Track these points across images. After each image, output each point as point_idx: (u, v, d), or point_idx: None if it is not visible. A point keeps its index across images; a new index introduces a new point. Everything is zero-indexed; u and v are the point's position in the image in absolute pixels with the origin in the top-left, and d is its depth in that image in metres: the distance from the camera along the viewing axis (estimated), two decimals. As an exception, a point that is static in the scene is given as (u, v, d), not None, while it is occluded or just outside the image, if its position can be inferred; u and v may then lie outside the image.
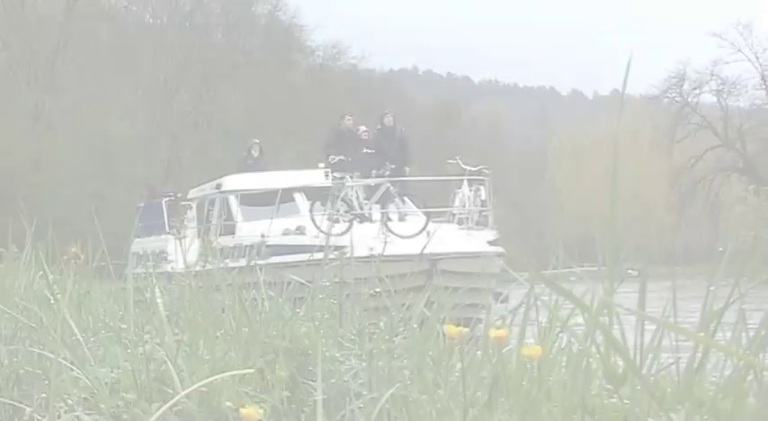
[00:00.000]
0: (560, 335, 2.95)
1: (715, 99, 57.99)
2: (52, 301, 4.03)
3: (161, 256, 24.40)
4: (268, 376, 3.03)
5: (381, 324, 3.25)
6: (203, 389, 2.84)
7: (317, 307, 3.98)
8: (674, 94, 58.28)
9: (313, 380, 2.94)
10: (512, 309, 3.28)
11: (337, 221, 18.78)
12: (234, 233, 21.48)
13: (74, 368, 3.08)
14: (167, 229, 25.80)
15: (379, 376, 2.90)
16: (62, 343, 3.15)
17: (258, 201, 21.45)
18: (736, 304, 2.30)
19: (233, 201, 22.85)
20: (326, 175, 21.04)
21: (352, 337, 3.19)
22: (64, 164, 47.93)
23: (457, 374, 2.60)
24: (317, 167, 22.72)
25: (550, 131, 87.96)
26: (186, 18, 57.84)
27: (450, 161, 21.00)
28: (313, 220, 19.12)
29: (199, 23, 57.88)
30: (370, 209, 19.98)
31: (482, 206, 19.83)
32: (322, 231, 17.97)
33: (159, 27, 58.25)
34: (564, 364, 2.76)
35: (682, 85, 57.53)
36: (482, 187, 19.76)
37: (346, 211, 19.20)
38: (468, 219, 19.38)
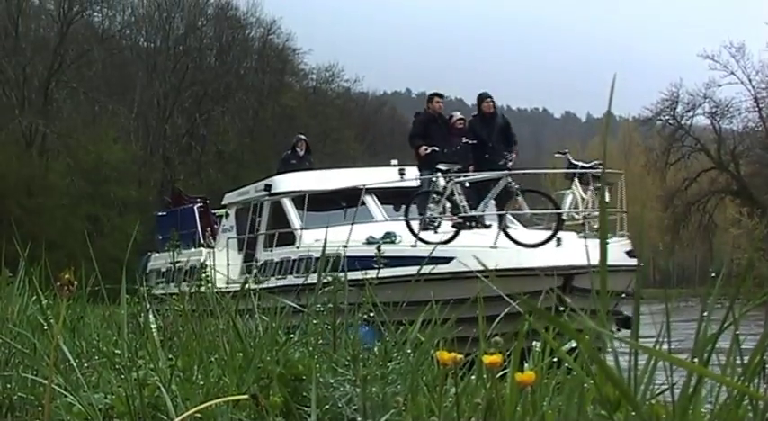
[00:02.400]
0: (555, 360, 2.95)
1: (708, 121, 58.12)
2: (45, 327, 4.02)
3: (192, 273, 21.91)
4: (262, 402, 3.02)
5: (375, 349, 3.25)
6: (197, 415, 2.84)
7: (310, 331, 3.98)
8: (667, 117, 58.38)
9: (307, 406, 2.93)
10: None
11: (437, 226, 15.92)
12: (292, 243, 18.33)
13: (67, 394, 3.08)
14: (202, 241, 23.26)
15: (374, 402, 2.89)
16: (55, 368, 3.15)
17: (317, 204, 18.21)
18: (732, 326, 2.30)
19: (288, 205, 19.30)
20: (401, 174, 18.50)
21: (347, 362, 3.18)
22: (57, 187, 47.97)
23: (451, 400, 2.59)
24: (389, 164, 20.03)
25: (542, 153, 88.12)
26: (180, 41, 57.92)
27: (558, 154, 17.29)
28: (409, 226, 15.84)
29: (192, 47, 57.97)
30: (483, 210, 16.14)
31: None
32: (421, 240, 15.13)
33: (153, 50, 58.32)
34: (558, 390, 2.76)
35: (675, 108, 57.64)
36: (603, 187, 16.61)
37: (453, 214, 15.73)
38: (586, 224, 15.75)
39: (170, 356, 3.56)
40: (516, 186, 15.15)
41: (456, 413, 2.48)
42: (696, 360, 2.12)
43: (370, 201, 18.16)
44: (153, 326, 3.98)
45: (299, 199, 18.65)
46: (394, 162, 19.83)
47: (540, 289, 10.37)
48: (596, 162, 16.80)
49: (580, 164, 16.50)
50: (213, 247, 21.40)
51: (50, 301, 4.58)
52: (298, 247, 17.36)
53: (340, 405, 2.94)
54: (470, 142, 16.92)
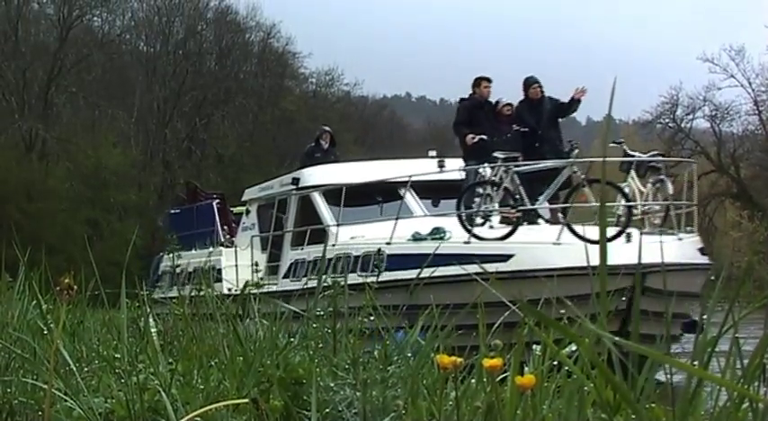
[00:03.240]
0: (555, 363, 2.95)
1: (708, 124, 58.06)
2: (45, 331, 4.02)
3: (210, 274, 19.92)
4: (262, 406, 3.02)
5: (375, 352, 3.25)
6: (198, 418, 2.84)
7: (310, 335, 3.98)
8: (667, 120, 58.32)
9: (307, 410, 2.93)
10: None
11: (487, 221, 14.45)
12: (324, 241, 16.37)
13: (67, 398, 3.08)
14: (222, 239, 21.90)
15: (374, 405, 2.89)
16: (55, 373, 3.15)
17: (349, 199, 16.69)
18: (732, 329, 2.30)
19: (319, 199, 17.84)
20: (440, 166, 16.94)
21: (347, 366, 3.18)
22: (57, 192, 47.94)
23: (451, 403, 2.59)
24: (427, 156, 18.68)
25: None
26: (179, 46, 57.89)
27: (614, 143, 15.41)
28: (462, 221, 14.33)
29: (192, 51, 57.93)
30: (543, 203, 14.74)
31: (668, 202, 14.71)
32: (476, 236, 13.74)
33: (152, 55, 58.28)
34: (558, 393, 2.76)
35: (675, 111, 57.58)
36: (665, 179, 14.78)
37: (513, 207, 14.22)
38: (648, 219, 14.41)
39: (170, 360, 3.56)
40: (582, 176, 14.03)
41: (456, 416, 2.48)
42: (696, 363, 2.12)
43: (409, 196, 16.72)
44: (153, 330, 3.97)
45: (330, 193, 17.45)
46: (432, 153, 18.67)
47: (610, 289, 9.30)
48: (655, 152, 15.94)
49: (637, 154, 15.17)
50: (232, 246, 20.47)
51: (50, 306, 4.58)
52: (334, 245, 15.77)
53: (340, 409, 2.94)
54: (522, 129, 15.80)
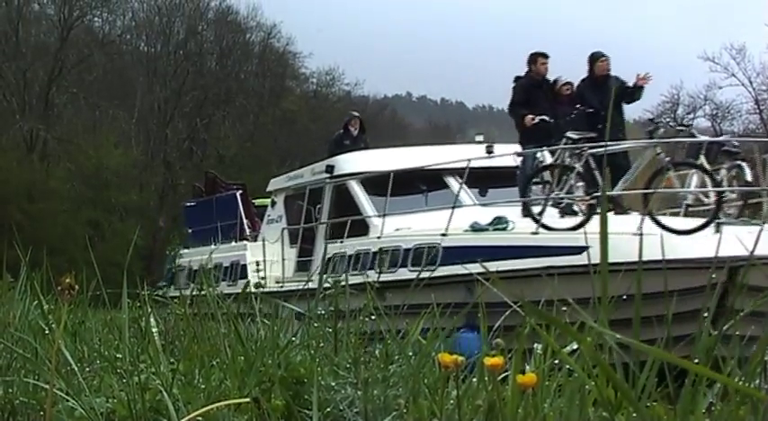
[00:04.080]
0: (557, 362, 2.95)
1: (709, 123, 58.01)
2: (47, 331, 4.02)
3: (234, 270, 19.10)
4: (264, 405, 3.02)
5: (377, 351, 3.25)
6: (199, 418, 2.84)
7: (312, 334, 3.98)
8: (668, 119, 58.29)
9: (309, 409, 2.93)
10: None
11: (560, 210, 13.27)
12: (364, 233, 15.72)
13: (69, 398, 3.08)
14: (247, 233, 20.52)
15: (375, 405, 2.89)
16: (57, 373, 3.15)
17: (384, 189, 15.26)
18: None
19: (357, 188, 16.46)
20: (489, 151, 15.69)
21: (348, 365, 3.18)
22: (58, 192, 47.93)
23: (452, 402, 2.59)
24: (474, 140, 17.51)
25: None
26: (180, 46, 57.86)
27: (681, 127, 14.27)
28: (529, 209, 13.20)
29: (193, 51, 57.91)
30: (621, 188, 13.20)
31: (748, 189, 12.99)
32: (545, 226, 12.47)
33: (153, 55, 58.26)
34: (560, 392, 2.76)
35: (676, 110, 57.52)
36: (743, 164, 13.04)
37: (588, 194, 12.69)
38: (718, 209, 12.38)
39: (172, 360, 3.56)
40: (667, 159, 12.62)
41: (458, 415, 2.48)
42: (697, 360, 2.12)
43: (455, 184, 15.48)
44: (154, 330, 3.98)
45: (368, 182, 16.26)
46: (479, 138, 17.49)
47: (700, 285, 8.41)
48: (727, 137, 14.54)
49: (705, 139, 13.74)
50: (256, 241, 19.28)
51: (52, 306, 4.59)
52: (379, 237, 14.72)
53: (341, 408, 2.94)
54: (587, 110, 14.19)
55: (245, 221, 20.93)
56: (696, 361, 2.12)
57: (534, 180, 13.67)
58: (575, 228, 12.02)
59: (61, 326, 3.32)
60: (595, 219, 11.71)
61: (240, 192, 21.88)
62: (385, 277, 12.97)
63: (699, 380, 2.09)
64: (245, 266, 18.38)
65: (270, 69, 60.38)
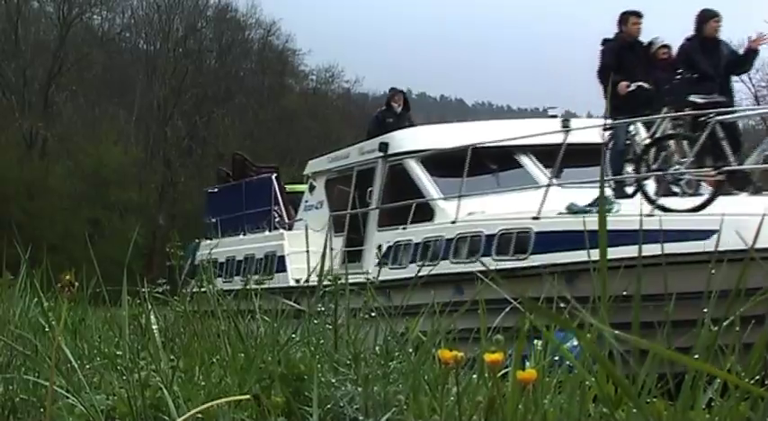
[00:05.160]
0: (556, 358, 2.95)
1: (709, 120, 57.92)
2: (47, 329, 4.02)
3: (269, 263, 17.30)
4: (264, 402, 3.02)
5: (377, 348, 3.25)
6: (199, 415, 2.84)
7: (312, 331, 3.98)
8: (668, 116, 58.22)
9: (309, 406, 2.93)
10: None
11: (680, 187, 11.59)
12: (428, 219, 13.99)
13: (69, 395, 3.08)
14: (285, 221, 18.53)
15: (375, 401, 2.89)
16: (57, 370, 3.15)
17: (452, 168, 13.79)
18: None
19: (417, 168, 14.64)
20: (565, 126, 13.50)
21: (348, 362, 3.18)
22: (58, 190, 47.96)
23: (452, 399, 2.60)
24: (548, 114, 15.75)
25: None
26: (179, 44, 57.88)
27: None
28: (642, 189, 11.50)
29: (192, 49, 57.93)
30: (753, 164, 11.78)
31: None
32: (662, 207, 10.89)
33: (152, 53, 58.29)
34: (560, 388, 2.76)
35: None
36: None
37: (716, 168, 11.16)
38: None
39: (172, 357, 3.56)
40: None
41: (458, 412, 2.48)
42: (698, 356, 2.13)
43: (528, 162, 14.17)
44: (154, 327, 3.98)
45: (429, 160, 14.60)
46: (553, 112, 15.90)
47: None
48: None
49: None
50: (292, 230, 17.66)
51: (52, 304, 4.59)
52: (454, 222, 13.03)
53: (342, 404, 2.95)
54: (693, 75, 12.48)
55: (283, 208, 18.94)
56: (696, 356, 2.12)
57: (642, 154, 12.01)
58: (698, 210, 10.61)
59: (61, 323, 3.32)
60: (723, 199, 10.72)
61: (275, 175, 19.82)
62: (464, 267, 11.94)
63: (699, 375, 2.09)
64: (282, 258, 16.82)
65: (269, 67, 60.40)
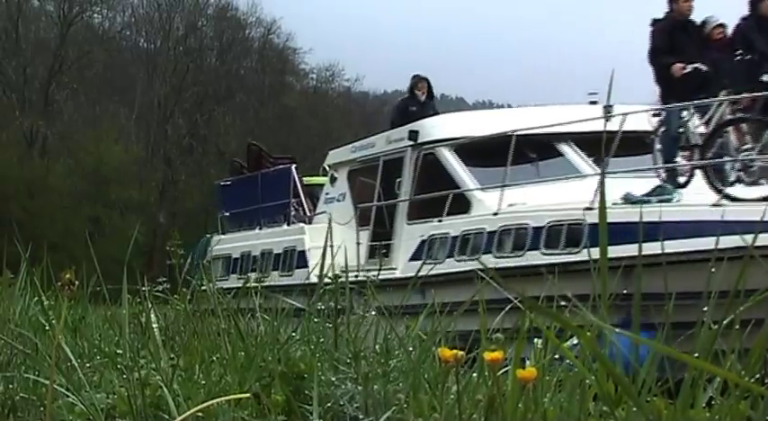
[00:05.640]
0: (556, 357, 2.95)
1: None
2: (47, 327, 4.02)
3: (289, 258, 16.45)
4: (264, 400, 3.03)
5: (377, 346, 3.25)
6: (199, 414, 2.84)
7: (312, 330, 3.97)
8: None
9: (309, 404, 2.93)
10: None
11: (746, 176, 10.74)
12: (466, 210, 13.09)
13: (69, 394, 3.08)
14: (303, 214, 17.58)
15: (375, 399, 2.89)
16: (57, 369, 3.15)
17: (483, 157, 13.23)
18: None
19: (450, 157, 13.76)
20: (608, 113, 12.34)
21: (348, 360, 3.18)
22: (58, 189, 47.97)
23: (452, 397, 2.59)
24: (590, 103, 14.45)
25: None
26: (180, 42, 57.86)
27: None
28: (708, 177, 10.77)
29: (192, 47, 57.91)
30: None
31: None
32: (729, 196, 10.24)
33: (153, 51, 58.28)
34: (560, 386, 2.76)
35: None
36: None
37: None
38: None
39: (172, 356, 3.56)
40: None
41: (458, 410, 2.48)
42: (698, 354, 2.12)
43: (569, 151, 13.35)
44: (155, 325, 3.97)
45: (462, 150, 13.69)
46: (593, 98, 14.57)
47: None
48: None
49: None
50: (312, 223, 16.84)
51: (52, 302, 4.59)
52: (495, 213, 12.14)
53: (342, 403, 2.95)
54: (752, 56, 11.66)
55: (303, 201, 17.96)
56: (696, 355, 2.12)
57: (709, 139, 11.21)
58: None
59: (61, 321, 3.32)
60: None
61: (294, 166, 18.74)
62: (510, 262, 11.35)
63: (699, 374, 2.09)
64: (302, 253, 15.90)
65: (270, 65, 60.37)
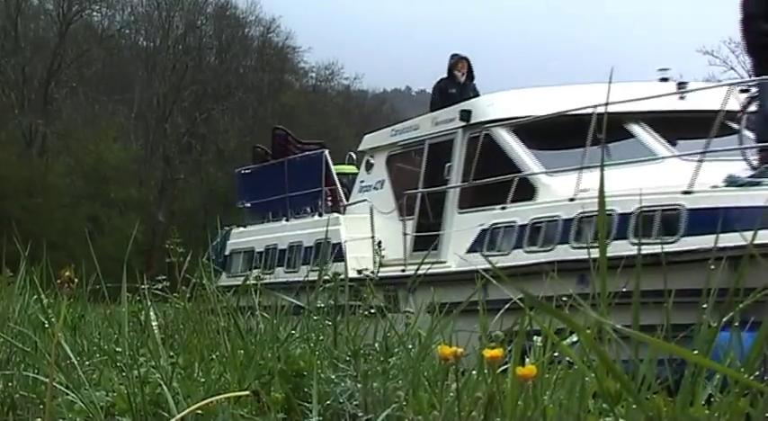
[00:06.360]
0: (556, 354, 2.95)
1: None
2: (46, 325, 4.02)
3: (322, 252, 14.40)
4: (263, 398, 3.02)
5: (376, 344, 3.24)
6: (199, 411, 2.84)
7: (311, 327, 3.97)
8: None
9: (308, 402, 2.93)
10: None
11: None
12: (531, 197, 11.80)
13: (69, 392, 3.08)
14: (336, 204, 16.27)
15: (375, 397, 2.89)
16: (57, 367, 3.15)
17: (543, 138, 12.15)
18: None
19: (509, 139, 12.45)
20: (681, 89, 11.94)
21: (348, 358, 3.18)
22: (58, 187, 47.98)
23: (452, 394, 2.59)
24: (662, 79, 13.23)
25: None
26: (179, 40, 57.89)
27: None
28: None
29: (192, 46, 57.93)
30: None
31: None
32: None
33: (152, 50, 58.30)
34: (559, 383, 2.76)
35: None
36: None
37: None
38: None
39: (171, 354, 3.56)
40: None
41: (457, 408, 2.48)
42: (697, 351, 2.12)
43: (642, 132, 12.16)
44: (154, 323, 3.97)
45: (520, 130, 12.44)
46: (664, 75, 13.41)
47: None
48: None
49: None
50: (347, 213, 15.61)
51: (51, 300, 4.59)
52: (572, 199, 10.92)
53: (341, 400, 2.95)
54: None
55: (339, 190, 16.60)
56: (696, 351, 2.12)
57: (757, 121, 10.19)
58: None
59: (61, 320, 3.32)
60: None
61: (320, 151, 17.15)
62: (585, 254, 10.15)
63: (698, 371, 2.09)
64: (338, 246, 14.58)
65: (269, 64, 60.40)
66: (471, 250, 12.19)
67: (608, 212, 9.91)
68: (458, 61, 15.36)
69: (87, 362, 3.65)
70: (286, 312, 4.30)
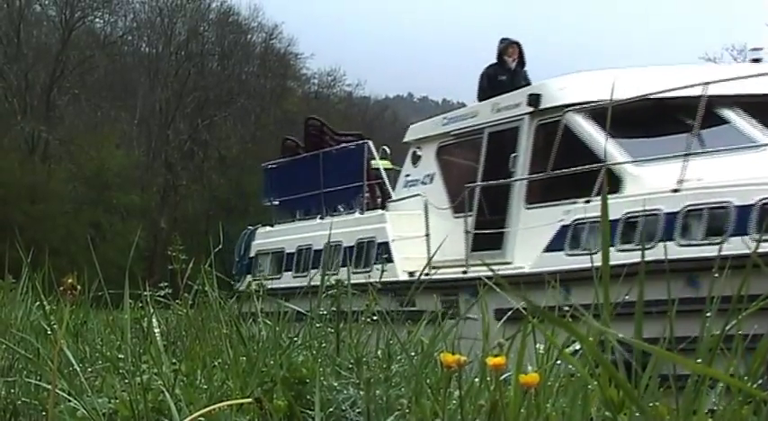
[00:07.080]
0: (558, 362, 2.95)
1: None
2: (49, 332, 4.02)
3: (365, 252, 13.79)
4: (266, 405, 3.02)
5: (379, 352, 3.24)
6: (201, 418, 2.84)
7: (314, 335, 3.97)
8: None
9: (311, 409, 2.93)
10: None
11: None
12: (616, 190, 10.37)
13: (71, 398, 3.08)
14: (383, 200, 14.98)
15: (377, 405, 2.89)
16: (59, 373, 3.15)
17: (624, 126, 10.57)
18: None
19: (586, 126, 11.29)
20: None
21: (350, 366, 3.18)
22: (60, 194, 47.99)
23: (455, 402, 2.59)
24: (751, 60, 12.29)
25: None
26: (181, 47, 57.91)
27: None
28: None
29: (194, 52, 57.95)
30: None
31: None
32: None
33: (155, 56, 58.32)
34: (562, 391, 2.76)
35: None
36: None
37: None
38: None
39: (174, 361, 3.56)
40: None
41: (460, 415, 2.48)
42: (700, 360, 2.12)
43: (736, 118, 11.00)
44: (156, 330, 3.97)
45: (597, 117, 11.16)
46: (756, 55, 12.24)
47: None
48: None
49: None
50: (392, 210, 14.32)
51: (53, 307, 4.59)
52: (676, 190, 9.84)
53: (344, 408, 2.94)
54: None
55: (387, 184, 15.30)
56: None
57: None
58: None
59: (63, 326, 3.32)
60: None
61: (360, 142, 15.87)
62: (705, 251, 9.18)
63: (702, 379, 2.08)
64: (385, 245, 13.43)
65: (271, 70, 60.42)
66: (550, 249, 11.11)
67: (723, 204, 9.44)
68: (508, 46, 14.31)
69: (90, 369, 3.65)
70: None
